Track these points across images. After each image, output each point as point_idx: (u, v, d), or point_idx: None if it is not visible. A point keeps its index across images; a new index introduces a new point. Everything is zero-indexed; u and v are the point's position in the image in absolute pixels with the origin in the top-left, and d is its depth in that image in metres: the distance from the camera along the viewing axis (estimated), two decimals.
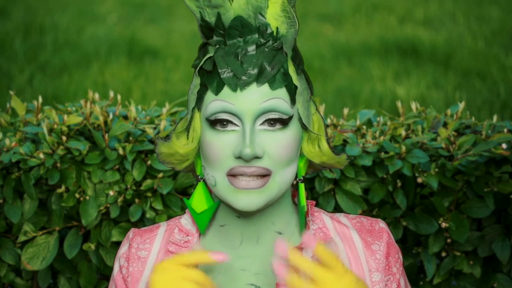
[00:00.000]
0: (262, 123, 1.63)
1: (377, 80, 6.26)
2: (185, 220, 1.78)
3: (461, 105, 2.50)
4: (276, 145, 1.64)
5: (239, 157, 1.62)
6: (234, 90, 1.63)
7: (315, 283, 1.55)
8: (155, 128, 2.44)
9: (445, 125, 2.47)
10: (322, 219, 1.78)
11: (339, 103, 5.66)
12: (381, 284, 1.72)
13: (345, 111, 2.57)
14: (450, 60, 6.59)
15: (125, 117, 2.51)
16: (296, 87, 1.66)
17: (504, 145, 2.27)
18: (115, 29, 7.48)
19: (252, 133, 1.62)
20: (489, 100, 5.72)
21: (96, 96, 2.56)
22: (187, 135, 1.71)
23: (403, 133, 2.41)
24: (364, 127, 2.48)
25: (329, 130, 2.43)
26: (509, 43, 6.92)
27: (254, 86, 1.63)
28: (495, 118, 2.49)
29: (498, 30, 7.25)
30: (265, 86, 1.63)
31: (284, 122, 1.64)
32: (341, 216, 1.79)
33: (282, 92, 1.64)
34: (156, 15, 8.03)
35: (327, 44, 7.08)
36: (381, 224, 1.77)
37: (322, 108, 2.58)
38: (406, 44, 6.92)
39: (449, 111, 2.52)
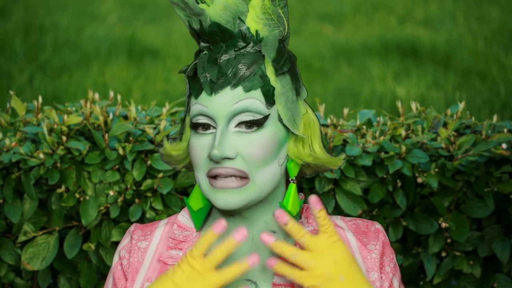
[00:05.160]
0: (238, 125, 1.67)
1: (377, 80, 6.26)
2: (182, 217, 1.81)
3: (461, 105, 2.50)
4: (249, 146, 1.66)
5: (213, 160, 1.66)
6: (209, 93, 1.67)
7: (302, 250, 1.64)
8: (155, 128, 2.44)
9: (445, 125, 2.47)
10: None
11: (339, 103, 5.66)
12: (378, 283, 1.74)
13: (345, 111, 2.57)
14: (450, 60, 6.59)
15: (125, 117, 2.51)
16: (273, 88, 1.68)
17: (504, 145, 2.27)
18: (115, 29, 7.47)
19: (223, 135, 1.65)
20: (489, 100, 5.72)
21: (96, 96, 2.56)
22: (180, 137, 1.78)
23: (403, 133, 2.41)
24: (364, 127, 2.48)
25: (329, 130, 2.43)
26: (509, 43, 6.92)
27: (227, 89, 1.67)
28: (495, 118, 2.49)
29: (498, 30, 7.25)
30: (239, 89, 1.67)
31: (259, 123, 1.67)
32: (337, 219, 1.81)
33: (257, 93, 1.67)
34: (156, 15, 8.03)
35: (327, 44, 7.08)
36: (377, 226, 1.80)
37: (322, 108, 2.58)
38: (406, 44, 6.92)
39: (449, 111, 2.52)
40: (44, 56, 6.72)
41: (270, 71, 1.68)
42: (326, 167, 1.77)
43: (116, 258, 1.80)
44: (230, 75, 1.67)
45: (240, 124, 1.66)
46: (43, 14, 7.75)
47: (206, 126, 1.68)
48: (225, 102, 1.66)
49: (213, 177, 1.68)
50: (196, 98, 1.69)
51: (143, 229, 1.82)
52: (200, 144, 1.68)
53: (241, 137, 1.66)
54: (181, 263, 1.63)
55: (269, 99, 1.68)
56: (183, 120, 1.77)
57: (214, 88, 1.66)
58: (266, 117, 1.67)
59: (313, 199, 1.64)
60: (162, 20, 7.83)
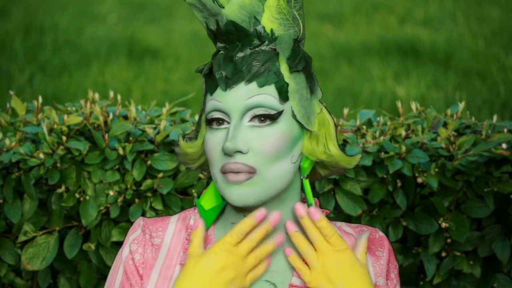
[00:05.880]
0: (252, 120, 1.68)
1: (377, 80, 6.26)
2: (193, 221, 1.81)
3: (461, 105, 2.50)
4: (262, 140, 1.68)
5: (226, 153, 1.68)
6: (224, 89, 1.69)
7: (314, 250, 1.69)
8: (155, 128, 2.44)
9: (445, 125, 2.47)
10: None
11: (339, 103, 5.66)
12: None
13: (345, 111, 2.57)
14: (450, 60, 6.59)
15: (125, 117, 2.51)
16: (287, 85, 1.69)
17: (504, 145, 2.27)
18: (115, 29, 7.48)
19: (236, 129, 1.67)
20: (489, 100, 5.72)
21: (96, 96, 2.56)
22: (196, 135, 1.80)
23: (403, 133, 2.41)
24: (364, 127, 2.48)
25: None
26: (509, 43, 6.92)
27: (242, 84, 1.69)
28: (495, 118, 2.49)
29: (498, 30, 7.25)
30: (253, 84, 1.69)
31: (272, 118, 1.68)
32: (343, 225, 1.84)
33: (270, 89, 1.69)
34: (156, 15, 8.03)
35: (327, 44, 7.08)
36: (380, 233, 1.84)
37: None
38: (406, 44, 6.92)
39: (449, 111, 2.52)
40: (44, 56, 6.72)
41: (284, 68, 1.70)
42: (340, 165, 1.78)
43: (126, 250, 1.79)
44: (244, 71, 1.69)
45: (253, 118, 1.68)
46: (43, 14, 7.75)
47: (220, 121, 1.70)
48: (239, 97, 1.68)
49: (225, 173, 1.69)
50: (211, 95, 1.71)
51: (154, 224, 1.81)
52: (214, 139, 1.70)
53: (254, 131, 1.68)
54: (214, 250, 1.66)
55: (283, 95, 1.69)
56: (199, 119, 1.80)
57: (229, 83, 1.69)
58: (279, 113, 1.69)
59: (311, 210, 1.68)
60: (162, 20, 7.84)
